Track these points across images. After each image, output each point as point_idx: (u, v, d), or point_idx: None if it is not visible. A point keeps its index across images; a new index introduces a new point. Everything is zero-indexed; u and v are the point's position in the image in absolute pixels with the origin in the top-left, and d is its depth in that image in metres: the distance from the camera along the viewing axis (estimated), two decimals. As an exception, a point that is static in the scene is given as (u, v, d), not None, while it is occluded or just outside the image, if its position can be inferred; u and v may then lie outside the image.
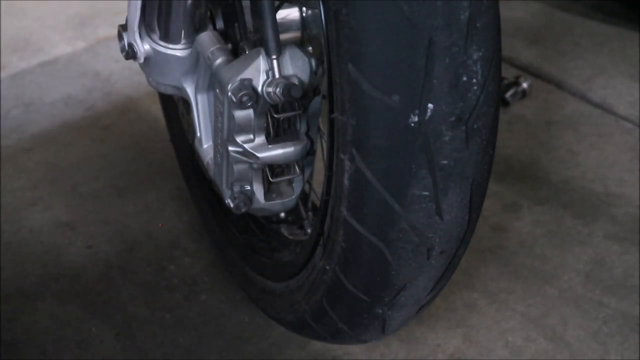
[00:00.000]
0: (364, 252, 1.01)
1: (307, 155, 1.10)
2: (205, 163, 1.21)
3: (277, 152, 1.07)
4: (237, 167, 1.10)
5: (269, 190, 1.15)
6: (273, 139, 1.09)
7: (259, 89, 1.00)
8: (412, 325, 1.43)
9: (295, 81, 0.99)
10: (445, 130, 0.91)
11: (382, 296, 1.06)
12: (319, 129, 1.13)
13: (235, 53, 1.15)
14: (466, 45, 0.88)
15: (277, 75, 0.99)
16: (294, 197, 1.16)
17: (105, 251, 1.62)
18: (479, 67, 0.90)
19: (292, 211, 1.41)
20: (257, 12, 1.09)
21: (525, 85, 1.95)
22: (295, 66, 1.01)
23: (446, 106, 0.90)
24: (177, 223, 1.68)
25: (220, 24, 1.19)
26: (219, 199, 1.44)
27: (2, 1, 2.45)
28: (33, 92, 2.09)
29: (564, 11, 2.29)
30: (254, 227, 1.46)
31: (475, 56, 0.89)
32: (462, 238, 1.01)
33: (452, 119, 0.91)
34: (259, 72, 1.00)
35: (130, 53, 1.19)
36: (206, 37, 1.12)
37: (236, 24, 1.16)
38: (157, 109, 1.89)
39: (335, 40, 0.91)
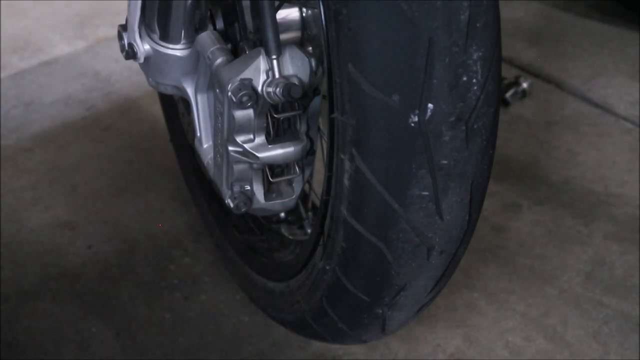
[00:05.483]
0: (364, 252, 1.01)
1: (307, 155, 1.10)
2: (205, 163, 1.21)
3: (277, 152, 1.07)
4: (237, 167, 1.10)
5: (269, 190, 1.15)
6: (273, 139, 1.09)
7: (259, 89, 1.00)
8: (412, 325, 1.43)
9: (295, 81, 0.99)
10: (445, 130, 0.91)
11: (382, 296, 1.06)
12: (319, 129, 1.13)
13: (235, 53, 1.15)
14: (466, 45, 0.88)
15: (277, 75, 0.99)
16: (294, 197, 1.16)
17: (105, 251, 1.62)
18: (479, 67, 0.90)
19: (292, 211, 1.41)
20: (257, 12, 1.09)
21: (525, 85, 1.95)
22: (295, 66, 1.01)
23: (446, 106, 0.90)
24: (177, 223, 1.68)
25: (220, 24, 1.19)
26: (219, 199, 1.44)
27: (2, 1, 2.45)
28: (33, 92, 2.09)
29: (564, 11, 2.29)
30: (254, 227, 1.46)
31: (475, 56, 0.89)
32: (462, 238, 1.01)
33: (452, 119, 0.91)
34: (259, 72, 1.00)
35: (130, 53, 1.19)
36: (206, 37, 1.11)
37: (236, 24, 1.16)
38: (157, 109, 1.89)
39: (335, 40, 0.91)
